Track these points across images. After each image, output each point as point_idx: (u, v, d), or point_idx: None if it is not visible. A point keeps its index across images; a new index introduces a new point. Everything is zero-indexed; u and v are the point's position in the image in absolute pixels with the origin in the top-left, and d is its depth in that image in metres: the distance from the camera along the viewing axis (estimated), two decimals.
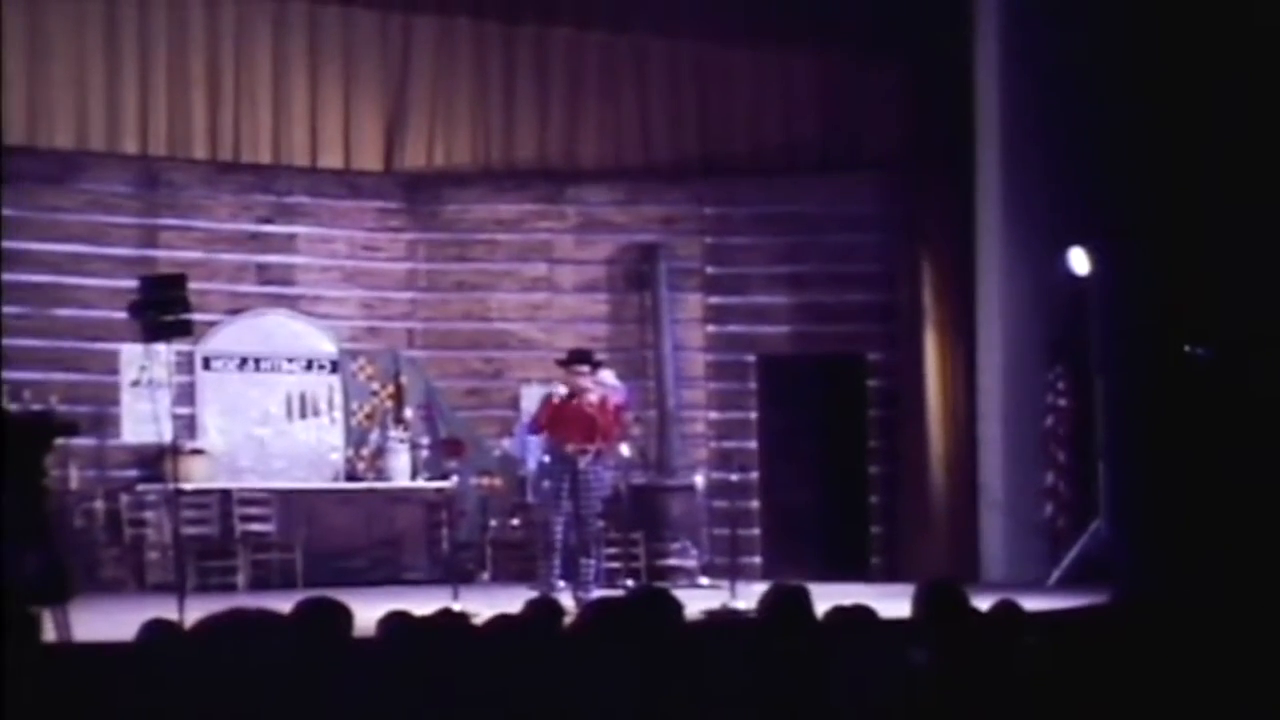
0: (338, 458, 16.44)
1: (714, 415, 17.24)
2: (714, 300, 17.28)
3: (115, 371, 15.65)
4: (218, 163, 16.42)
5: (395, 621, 5.33)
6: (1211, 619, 5.66)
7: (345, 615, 5.41)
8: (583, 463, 13.27)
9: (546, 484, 13.63)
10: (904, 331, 16.72)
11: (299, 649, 4.93)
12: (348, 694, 4.84)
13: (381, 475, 16.35)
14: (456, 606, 9.80)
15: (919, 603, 5.58)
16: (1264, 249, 14.25)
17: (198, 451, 15.69)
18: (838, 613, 5.85)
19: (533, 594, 11.30)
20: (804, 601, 5.80)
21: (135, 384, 15.53)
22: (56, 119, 15.78)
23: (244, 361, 16.24)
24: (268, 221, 16.55)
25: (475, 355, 17.14)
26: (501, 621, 5.62)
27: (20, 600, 8.58)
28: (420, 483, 16.33)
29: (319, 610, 5.39)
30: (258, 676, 4.73)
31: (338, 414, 16.52)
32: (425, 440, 16.53)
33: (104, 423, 15.49)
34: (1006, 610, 5.49)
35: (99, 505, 15.43)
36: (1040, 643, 5.36)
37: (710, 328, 17.27)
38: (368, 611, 5.81)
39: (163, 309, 12.60)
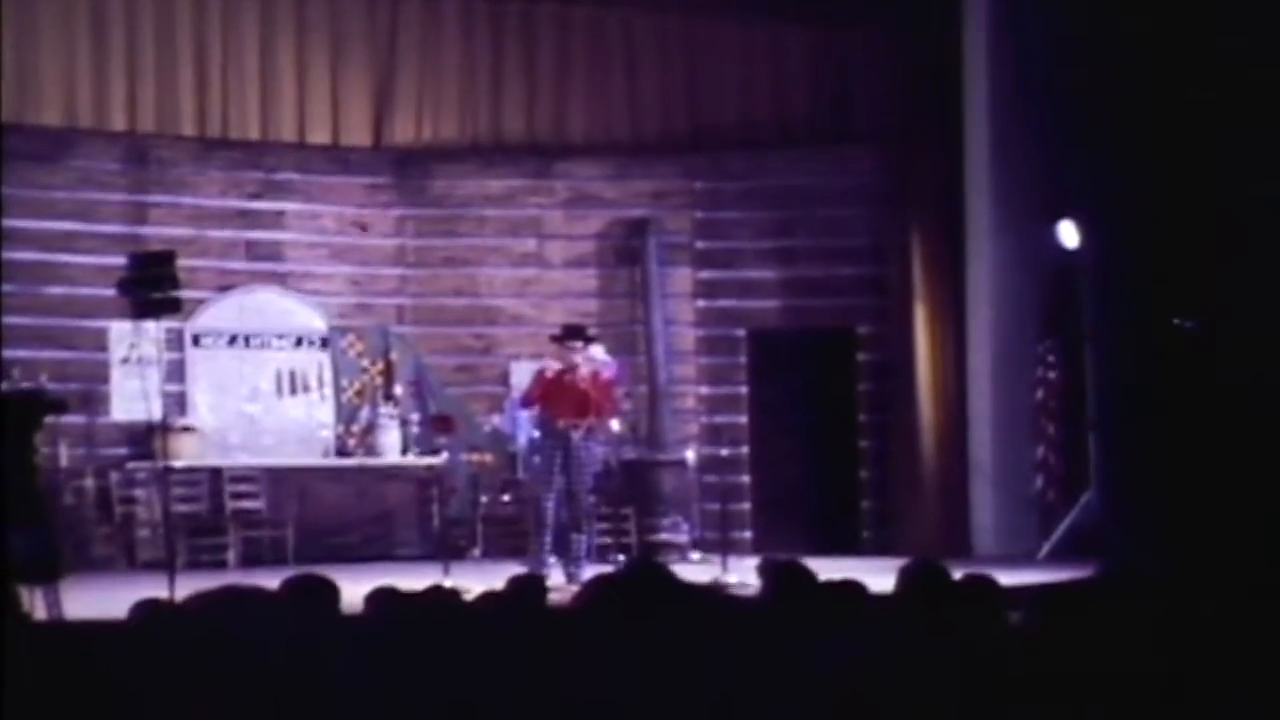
0: (328, 434, 16.44)
1: (704, 390, 17.25)
2: (704, 275, 17.27)
3: (105, 349, 15.63)
4: (206, 139, 16.40)
5: (383, 597, 5.34)
6: (1201, 591, 5.67)
7: (332, 592, 5.41)
8: (574, 438, 13.28)
9: (538, 460, 13.65)
10: (894, 305, 16.72)
11: (288, 626, 4.93)
12: (337, 670, 4.85)
13: (372, 452, 16.35)
14: (447, 583, 9.82)
15: (902, 583, 5.57)
16: (1251, 220, 14.26)
17: (188, 429, 15.68)
18: (828, 587, 5.86)
19: (523, 569, 11.34)
20: (803, 576, 5.80)
21: (125, 361, 15.51)
22: (45, 96, 15.75)
23: (233, 338, 16.23)
24: (257, 198, 16.53)
25: (465, 331, 17.14)
26: (489, 598, 5.62)
27: (11, 579, 8.59)
28: (411, 459, 16.33)
29: (306, 587, 5.39)
30: (247, 653, 4.74)
31: (328, 391, 16.51)
32: (415, 416, 16.52)
33: (94, 400, 15.48)
34: (981, 585, 5.48)
35: (89, 483, 15.41)
36: (1025, 617, 5.36)
37: (700, 302, 17.27)
38: (359, 588, 5.81)
39: (152, 286, 12.62)
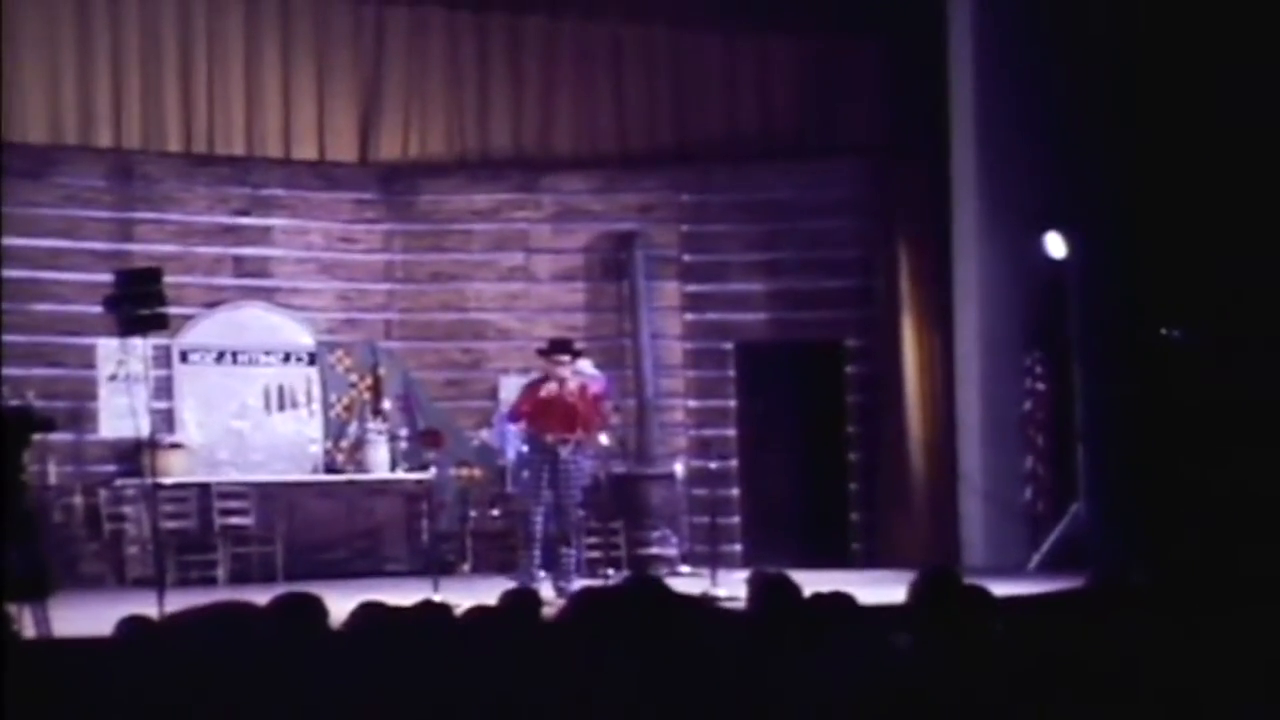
0: (316, 450, 16.41)
1: (693, 403, 17.24)
2: (691, 288, 17.27)
3: (92, 366, 15.60)
4: (192, 155, 16.38)
5: (369, 612, 5.33)
6: (1189, 601, 5.68)
7: (319, 608, 5.40)
8: (563, 452, 13.26)
9: (526, 474, 13.64)
10: (882, 317, 16.73)
11: (275, 642, 4.92)
12: (325, 687, 4.84)
13: (360, 467, 16.33)
14: (437, 597, 9.80)
15: (916, 591, 5.56)
16: (1238, 230, 14.29)
17: (176, 445, 15.65)
18: (818, 599, 5.86)
19: (513, 584, 11.32)
20: (790, 589, 5.81)
21: (112, 378, 15.48)
22: (30, 113, 15.72)
23: (221, 355, 16.21)
24: (243, 214, 16.51)
25: (453, 346, 17.12)
26: (480, 612, 5.62)
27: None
28: (399, 474, 16.31)
29: (294, 604, 5.38)
30: (233, 670, 4.73)
31: (316, 406, 16.48)
32: (404, 431, 16.50)
33: (81, 418, 15.45)
34: (974, 595, 5.49)
35: (77, 500, 15.38)
36: (1013, 628, 5.36)
37: (688, 315, 17.27)
38: (347, 604, 5.80)
39: (139, 303, 12.61)
